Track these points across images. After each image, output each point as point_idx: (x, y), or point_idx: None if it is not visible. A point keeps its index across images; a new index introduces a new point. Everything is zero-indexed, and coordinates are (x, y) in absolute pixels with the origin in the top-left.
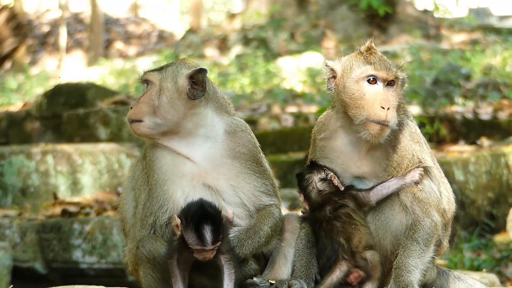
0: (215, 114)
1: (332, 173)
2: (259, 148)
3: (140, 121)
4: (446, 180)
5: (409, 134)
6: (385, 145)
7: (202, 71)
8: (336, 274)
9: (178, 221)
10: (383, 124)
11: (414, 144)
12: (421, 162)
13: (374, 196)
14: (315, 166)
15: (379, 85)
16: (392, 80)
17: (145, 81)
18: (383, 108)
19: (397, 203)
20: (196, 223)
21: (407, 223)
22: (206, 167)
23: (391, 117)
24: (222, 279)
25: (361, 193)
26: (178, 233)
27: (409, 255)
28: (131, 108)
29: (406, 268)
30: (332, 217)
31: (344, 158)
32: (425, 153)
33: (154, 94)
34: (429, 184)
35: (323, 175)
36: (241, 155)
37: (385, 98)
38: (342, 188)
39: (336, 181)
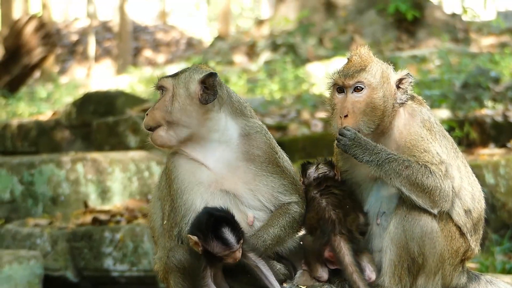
0: (229, 118)
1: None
2: (277, 148)
3: (158, 126)
4: (472, 176)
5: (420, 120)
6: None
7: (212, 75)
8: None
9: (195, 238)
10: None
11: (425, 130)
12: (425, 151)
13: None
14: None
15: (345, 93)
16: (356, 86)
17: (160, 87)
18: (340, 117)
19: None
20: (214, 231)
21: (432, 224)
22: (222, 172)
23: (348, 124)
24: (261, 279)
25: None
26: (200, 249)
27: None
28: (147, 114)
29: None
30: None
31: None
32: (435, 142)
33: (168, 100)
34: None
35: (314, 166)
36: (256, 158)
37: (344, 106)
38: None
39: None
